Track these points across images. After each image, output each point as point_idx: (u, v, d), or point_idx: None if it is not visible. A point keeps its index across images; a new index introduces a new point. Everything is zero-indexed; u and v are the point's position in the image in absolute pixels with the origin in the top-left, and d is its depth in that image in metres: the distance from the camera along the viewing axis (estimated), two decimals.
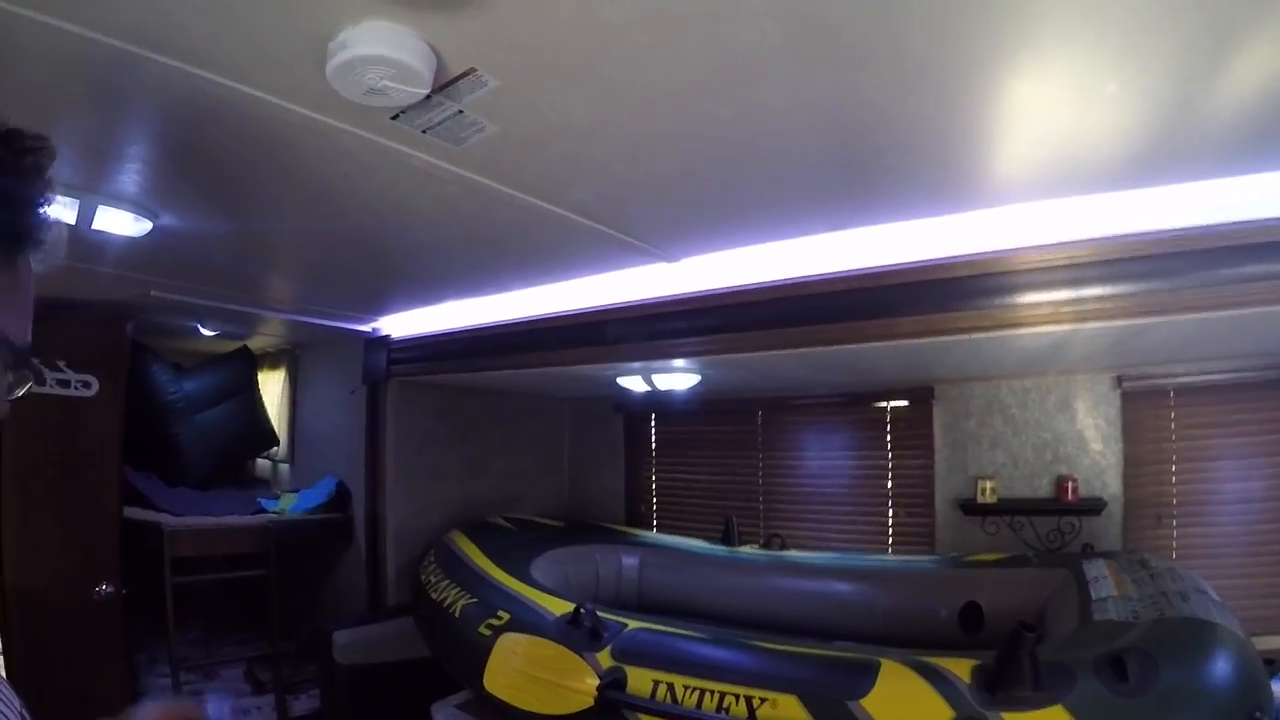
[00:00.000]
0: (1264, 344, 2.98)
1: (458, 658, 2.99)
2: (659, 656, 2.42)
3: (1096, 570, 2.73)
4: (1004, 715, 1.84)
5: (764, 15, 1.21)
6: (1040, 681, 1.88)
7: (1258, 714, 1.81)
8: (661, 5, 1.19)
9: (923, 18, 1.22)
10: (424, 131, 1.61)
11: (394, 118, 1.54)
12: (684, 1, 1.18)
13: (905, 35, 1.27)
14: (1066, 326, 2.21)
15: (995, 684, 1.91)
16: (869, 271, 2.44)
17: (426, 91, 1.35)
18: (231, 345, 5.34)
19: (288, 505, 4.66)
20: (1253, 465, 3.34)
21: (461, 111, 1.52)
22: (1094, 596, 2.48)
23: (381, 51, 1.20)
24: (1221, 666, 1.90)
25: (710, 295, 2.79)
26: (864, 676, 2.08)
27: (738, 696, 2.15)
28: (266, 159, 1.84)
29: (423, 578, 3.62)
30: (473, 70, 1.36)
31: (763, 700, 2.11)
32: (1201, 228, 2.01)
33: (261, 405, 5.47)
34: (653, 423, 5.21)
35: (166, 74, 1.36)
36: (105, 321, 3.61)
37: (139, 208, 2.17)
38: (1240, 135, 1.69)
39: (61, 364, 3.45)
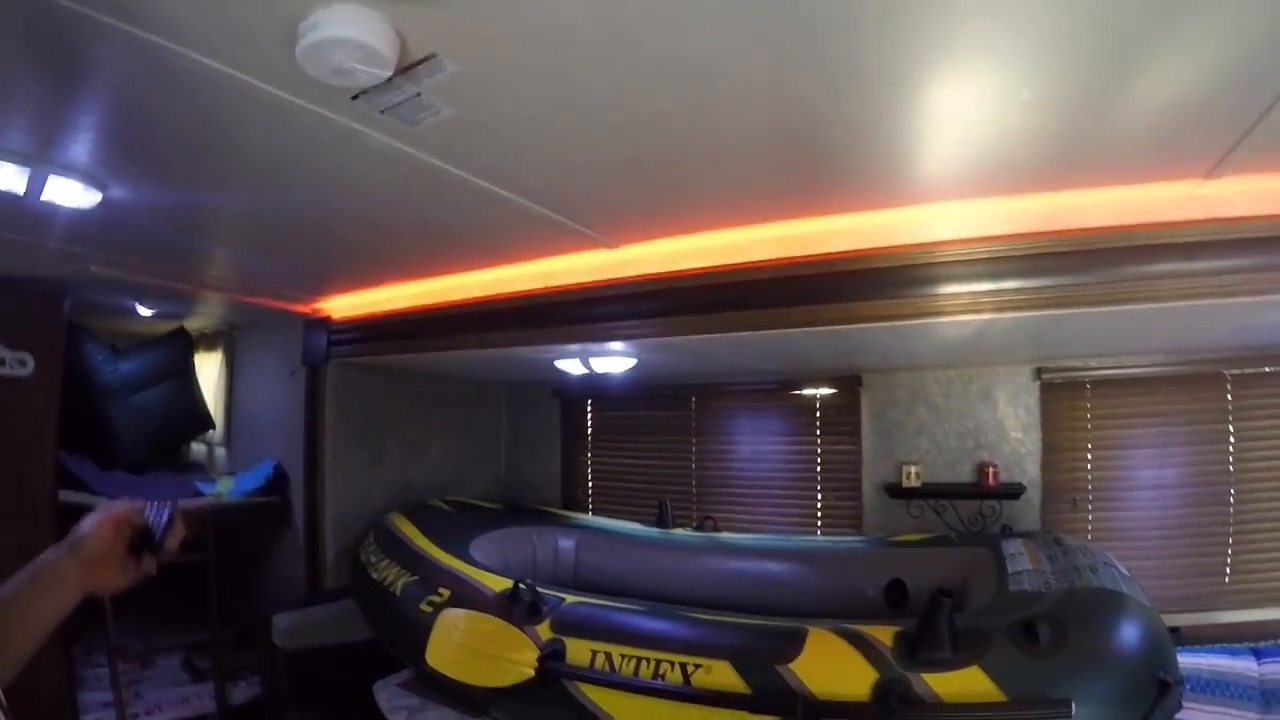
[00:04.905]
0: (1173, 341, 3.18)
1: (399, 635, 3.02)
2: (596, 628, 2.50)
3: (1014, 548, 2.86)
4: (924, 676, 1.97)
5: (713, 16, 1.29)
6: (958, 644, 2.01)
7: (1162, 674, 1.95)
8: (617, 4, 1.26)
9: (852, 24, 1.31)
10: (382, 112, 1.65)
11: (354, 98, 1.57)
12: (639, 1, 1.25)
13: (837, 39, 1.36)
14: (985, 316, 2.34)
15: (916, 647, 2.03)
16: (798, 260, 2.54)
17: (390, 74, 1.40)
18: (168, 326, 5.23)
19: (225, 489, 4.57)
20: (1163, 454, 3.55)
21: (420, 94, 1.57)
22: (1010, 571, 2.61)
23: (351, 34, 1.25)
24: (1128, 631, 2.05)
25: (646, 280, 2.86)
26: (792, 642, 2.18)
27: (673, 663, 2.24)
28: (225, 133, 1.86)
29: (362, 558, 3.62)
30: (434, 55, 1.41)
31: (697, 666, 2.20)
32: (1109, 228, 2.16)
33: (198, 387, 5.37)
34: (589, 408, 5.25)
35: (134, 43, 1.37)
36: (42, 298, 3.54)
37: (90, 178, 2.14)
38: (1144, 145, 1.83)
39: None
